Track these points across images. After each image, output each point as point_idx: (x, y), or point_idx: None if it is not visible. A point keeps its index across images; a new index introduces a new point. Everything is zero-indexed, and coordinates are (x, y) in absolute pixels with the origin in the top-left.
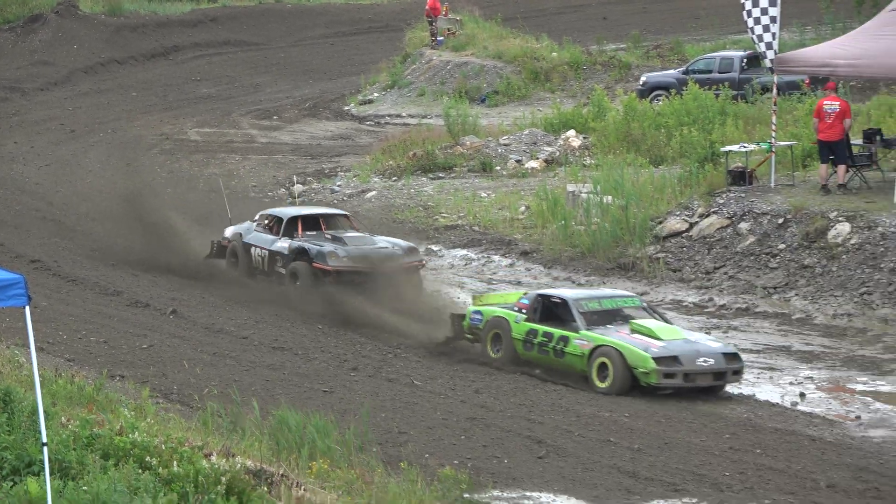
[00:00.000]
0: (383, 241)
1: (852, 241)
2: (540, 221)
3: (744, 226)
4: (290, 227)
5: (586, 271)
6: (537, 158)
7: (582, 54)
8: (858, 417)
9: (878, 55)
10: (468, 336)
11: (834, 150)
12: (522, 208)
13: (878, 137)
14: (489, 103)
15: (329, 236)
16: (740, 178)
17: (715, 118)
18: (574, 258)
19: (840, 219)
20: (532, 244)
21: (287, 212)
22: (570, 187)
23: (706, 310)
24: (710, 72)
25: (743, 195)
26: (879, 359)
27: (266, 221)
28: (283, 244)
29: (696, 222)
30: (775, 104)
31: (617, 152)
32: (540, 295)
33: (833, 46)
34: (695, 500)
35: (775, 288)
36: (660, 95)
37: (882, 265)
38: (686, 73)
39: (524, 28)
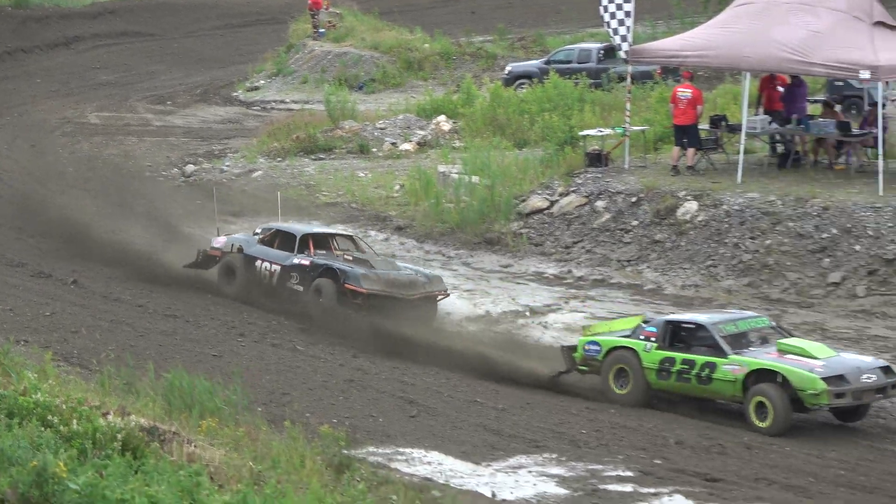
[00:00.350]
0: (406, 268)
1: (699, 219)
2: (413, 199)
3: (600, 204)
4: (303, 244)
5: (455, 245)
6: (411, 141)
7: (452, 46)
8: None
9: (723, 47)
10: (581, 368)
11: (686, 134)
12: (397, 187)
13: (723, 123)
14: (366, 90)
15: (351, 258)
16: (597, 160)
17: (574, 105)
18: (444, 233)
19: (688, 198)
20: (406, 220)
21: (299, 228)
22: (441, 168)
23: (565, 281)
24: (569, 62)
25: (599, 176)
26: None
27: (271, 236)
28: (302, 260)
29: (557, 200)
30: (629, 92)
31: (484, 136)
32: (668, 321)
33: (682, 39)
34: (554, 455)
35: (629, 261)
36: (523, 84)
37: (726, 240)
38: (548, 63)
39: (399, 21)
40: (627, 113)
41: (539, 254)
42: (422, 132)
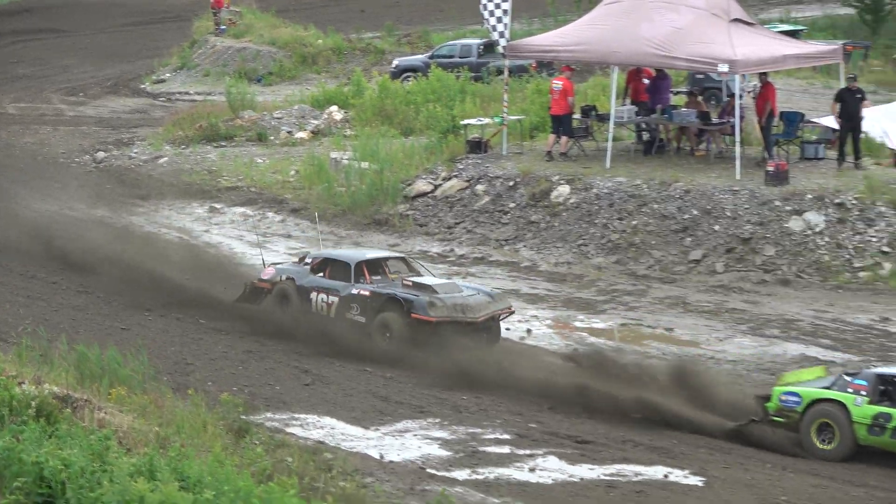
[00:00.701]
0: (468, 288)
1: (571, 201)
2: (307, 183)
3: (480, 188)
4: (358, 272)
5: (347, 226)
6: (305, 130)
7: (343, 41)
8: (577, 350)
9: (593, 43)
10: (776, 419)
11: (559, 123)
12: (292, 172)
13: (593, 113)
14: (265, 83)
15: (411, 283)
16: (477, 147)
17: (456, 96)
18: (336, 215)
19: (561, 182)
20: (301, 203)
21: (352, 256)
22: (333, 154)
23: (448, 259)
24: (452, 57)
25: (479, 161)
26: (594, 300)
27: (320, 264)
28: (362, 290)
29: (440, 184)
30: (507, 84)
31: (373, 125)
32: (880, 375)
33: (556, 35)
34: (437, 420)
35: (506, 240)
36: (409, 77)
37: (596, 221)
38: (432, 57)
39: (294, 19)
40: (505, 104)
41: (424, 234)
42: (315, 121)
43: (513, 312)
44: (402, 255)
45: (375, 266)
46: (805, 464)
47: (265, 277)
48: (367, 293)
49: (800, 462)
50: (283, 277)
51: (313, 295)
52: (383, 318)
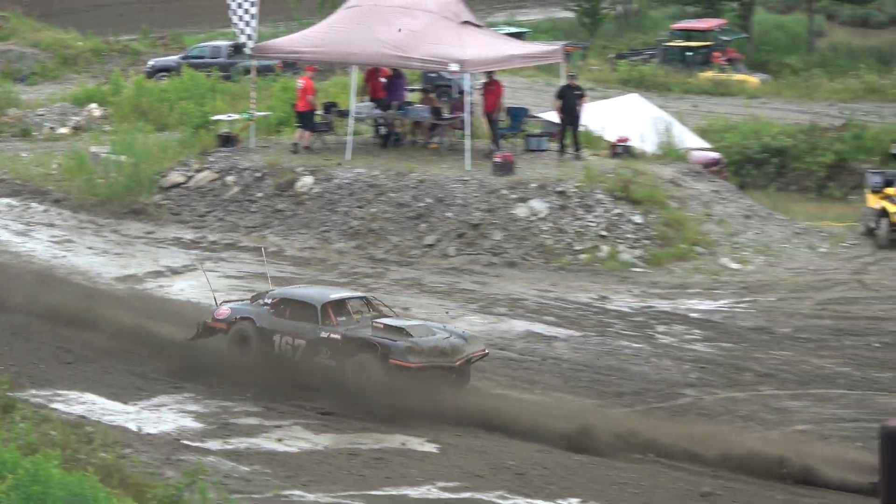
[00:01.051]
0: (440, 331)
1: (315, 191)
2: (69, 176)
3: (230, 179)
4: (324, 314)
5: (105, 215)
6: (67, 126)
7: (102, 44)
8: None
9: (334, 44)
10: None
11: (303, 119)
12: (55, 165)
13: (334, 109)
14: (28, 83)
15: (382, 325)
16: (227, 141)
17: (207, 94)
18: (96, 205)
19: (305, 173)
20: (63, 193)
21: (315, 297)
22: (93, 148)
23: (200, 245)
24: (203, 57)
25: (229, 154)
26: (336, 282)
27: (280, 305)
28: (332, 334)
29: (193, 176)
30: (254, 83)
31: (130, 121)
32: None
33: (300, 37)
34: (192, 395)
35: (255, 227)
36: (163, 76)
37: (338, 209)
38: (184, 58)
39: (56, 23)
40: (253, 101)
41: (178, 222)
42: (76, 118)
43: (486, 355)
44: (363, 294)
45: (340, 306)
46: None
47: (220, 318)
48: (337, 336)
49: (526, 432)
50: (239, 317)
51: (276, 337)
52: (360, 361)
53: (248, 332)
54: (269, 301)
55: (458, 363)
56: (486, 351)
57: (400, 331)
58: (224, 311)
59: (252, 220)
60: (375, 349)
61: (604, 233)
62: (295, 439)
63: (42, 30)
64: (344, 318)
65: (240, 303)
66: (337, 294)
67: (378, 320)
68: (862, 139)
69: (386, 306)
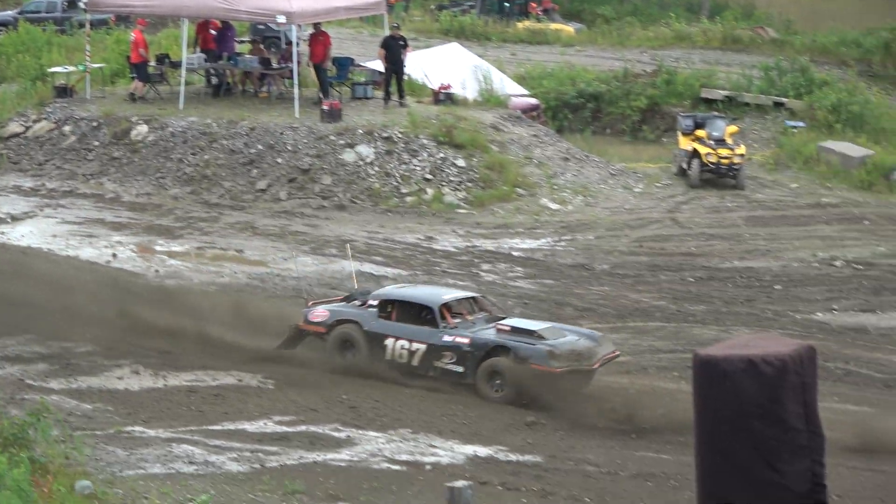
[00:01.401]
0: (570, 332)
1: (150, 139)
2: None
3: (67, 128)
4: (442, 315)
5: None
6: None
7: None
8: (157, 271)
9: None
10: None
11: (136, 70)
12: None
13: (167, 60)
14: None
15: (509, 328)
16: (64, 92)
17: (43, 47)
18: None
19: (140, 122)
20: None
21: (430, 298)
22: None
23: (39, 192)
24: (39, 12)
25: (66, 105)
26: (173, 227)
27: (388, 305)
28: (458, 338)
29: (31, 126)
30: (88, 36)
31: None
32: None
33: None
34: (34, 336)
35: (92, 175)
36: (1, 30)
37: (172, 156)
38: (21, 13)
39: None
40: (87, 53)
41: (17, 171)
42: None
43: (618, 356)
44: (473, 294)
45: (454, 307)
46: (358, 369)
47: (317, 320)
48: (465, 340)
49: (352, 368)
50: (341, 320)
51: (389, 342)
52: (493, 365)
53: (353, 336)
54: (374, 302)
55: (595, 366)
56: (618, 352)
57: (531, 333)
58: (321, 312)
59: (89, 167)
60: (508, 353)
61: (429, 176)
62: (136, 377)
63: None
64: (458, 320)
65: (335, 304)
66: (450, 294)
67: (502, 322)
68: (673, 84)
69: (495, 305)
